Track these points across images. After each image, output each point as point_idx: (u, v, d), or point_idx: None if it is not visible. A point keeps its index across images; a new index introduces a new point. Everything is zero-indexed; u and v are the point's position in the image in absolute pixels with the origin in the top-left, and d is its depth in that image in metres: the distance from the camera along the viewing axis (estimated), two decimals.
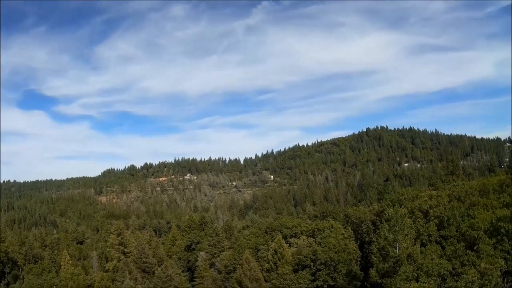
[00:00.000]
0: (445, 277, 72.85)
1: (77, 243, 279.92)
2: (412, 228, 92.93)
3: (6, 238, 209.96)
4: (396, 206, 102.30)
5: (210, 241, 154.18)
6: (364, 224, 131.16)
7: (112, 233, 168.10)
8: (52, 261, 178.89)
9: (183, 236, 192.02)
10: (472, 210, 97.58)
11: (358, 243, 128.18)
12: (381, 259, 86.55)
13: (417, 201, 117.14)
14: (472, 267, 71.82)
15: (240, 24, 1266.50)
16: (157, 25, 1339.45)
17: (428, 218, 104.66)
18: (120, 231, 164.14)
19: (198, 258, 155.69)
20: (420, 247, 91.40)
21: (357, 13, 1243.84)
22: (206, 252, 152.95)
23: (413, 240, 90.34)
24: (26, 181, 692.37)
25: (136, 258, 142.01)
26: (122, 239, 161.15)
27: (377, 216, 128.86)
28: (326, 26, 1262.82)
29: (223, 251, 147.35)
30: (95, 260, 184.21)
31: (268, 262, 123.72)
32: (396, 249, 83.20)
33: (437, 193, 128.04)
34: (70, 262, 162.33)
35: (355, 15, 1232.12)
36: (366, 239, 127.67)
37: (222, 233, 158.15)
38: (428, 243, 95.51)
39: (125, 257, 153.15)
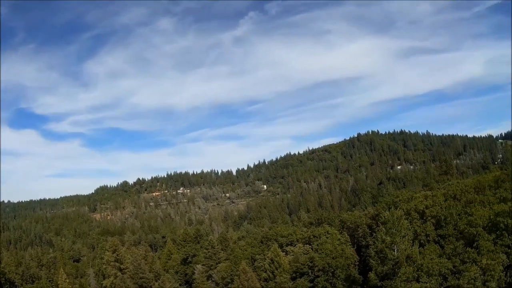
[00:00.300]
0: (447, 276, 72.37)
1: (74, 261, 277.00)
2: (409, 230, 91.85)
3: (3, 258, 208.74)
4: (392, 209, 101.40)
5: (206, 254, 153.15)
6: (360, 228, 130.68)
7: (107, 250, 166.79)
8: (49, 281, 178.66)
9: (178, 250, 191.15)
10: (469, 208, 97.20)
11: (355, 248, 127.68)
12: (379, 262, 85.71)
13: (413, 202, 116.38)
14: (473, 264, 71.37)
15: (228, 36, 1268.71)
16: (145, 39, 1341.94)
17: (424, 218, 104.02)
18: (115, 247, 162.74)
19: (195, 271, 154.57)
20: (419, 247, 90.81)
21: (344, 19, 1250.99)
22: (203, 265, 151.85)
23: (411, 241, 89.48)
24: (20, 201, 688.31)
25: (133, 274, 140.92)
26: (117, 255, 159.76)
27: (373, 219, 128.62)
28: (313, 34, 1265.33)
29: (219, 263, 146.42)
30: (92, 277, 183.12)
31: (265, 272, 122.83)
32: (394, 251, 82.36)
33: (432, 193, 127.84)
34: (67, 280, 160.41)
35: (341, 21, 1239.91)
36: (363, 243, 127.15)
37: (217, 245, 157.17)
38: (427, 243, 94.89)
39: (122, 274, 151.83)
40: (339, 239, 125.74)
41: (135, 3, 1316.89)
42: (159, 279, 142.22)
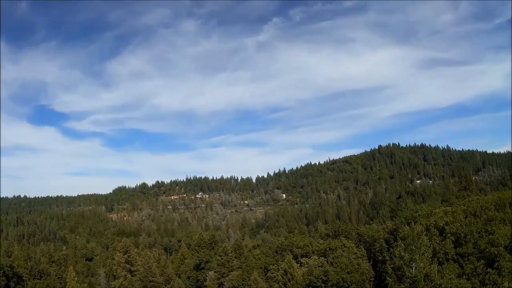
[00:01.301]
0: None
1: (86, 260, 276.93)
2: (429, 247, 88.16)
3: (13, 252, 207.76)
4: (411, 224, 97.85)
5: (219, 261, 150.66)
6: (377, 243, 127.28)
7: (118, 251, 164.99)
8: (58, 277, 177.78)
9: (192, 255, 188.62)
10: (489, 226, 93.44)
11: (371, 263, 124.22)
12: (396, 279, 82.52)
13: (433, 217, 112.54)
14: (494, 286, 67.89)
15: (251, 40, 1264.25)
16: (168, 41, 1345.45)
17: (444, 235, 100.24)
18: (127, 249, 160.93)
19: (207, 278, 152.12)
20: (437, 266, 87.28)
21: (367, 28, 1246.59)
22: (215, 272, 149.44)
23: (430, 259, 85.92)
24: (36, 196, 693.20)
25: (143, 277, 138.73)
26: (128, 257, 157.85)
27: (391, 234, 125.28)
28: (336, 42, 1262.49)
29: (232, 271, 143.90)
30: (103, 277, 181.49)
31: (277, 283, 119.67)
32: (412, 269, 79.13)
33: (451, 209, 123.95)
34: (76, 279, 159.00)
35: (364, 30, 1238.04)
36: (380, 258, 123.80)
37: (231, 253, 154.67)
38: (445, 261, 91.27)
39: (132, 276, 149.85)
40: (355, 253, 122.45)
41: (159, 4, 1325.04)
42: (169, 283, 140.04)
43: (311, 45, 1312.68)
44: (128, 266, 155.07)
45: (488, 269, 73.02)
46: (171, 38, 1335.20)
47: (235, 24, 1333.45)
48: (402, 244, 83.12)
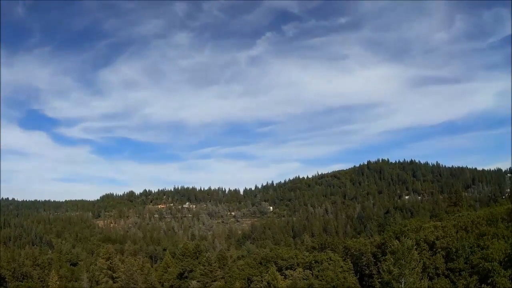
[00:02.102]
0: None
1: (71, 265, 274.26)
2: (419, 262, 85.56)
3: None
4: (401, 238, 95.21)
5: (202, 270, 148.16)
6: (365, 257, 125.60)
7: (101, 257, 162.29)
8: (41, 281, 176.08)
9: (176, 263, 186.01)
10: (482, 240, 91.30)
11: (358, 276, 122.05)
12: None
13: (423, 232, 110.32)
14: None
15: (244, 54, 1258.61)
16: (161, 52, 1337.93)
17: (434, 249, 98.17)
18: (109, 255, 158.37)
19: (189, 287, 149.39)
20: (428, 281, 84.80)
21: (360, 44, 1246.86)
22: (198, 281, 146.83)
23: (420, 274, 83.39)
24: (24, 200, 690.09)
25: (124, 284, 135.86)
26: (110, 263, 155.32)
27: (378, 248, 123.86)
28: (329, 58, 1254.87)
29: (215, 281, 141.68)
30: (86, 282, 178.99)
31: None
32: (401, 284, 76.58)
33: (441, 224, 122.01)
34: (58, 283, 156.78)
35: (358, 46, 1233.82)
36: (367, 272, 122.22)
37: (215, 263, 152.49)
38: (436, 276, 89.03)
39: (113, 282, 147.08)
40: (341, 267, 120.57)
41: (154, 15, 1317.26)
42: None
43: (304, 61, 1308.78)
44: (110, 272, 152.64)
45: (482, 285, 70.76)
46: (164, 49, 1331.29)
47: (228, 37, 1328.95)
48: (392, 259, 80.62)
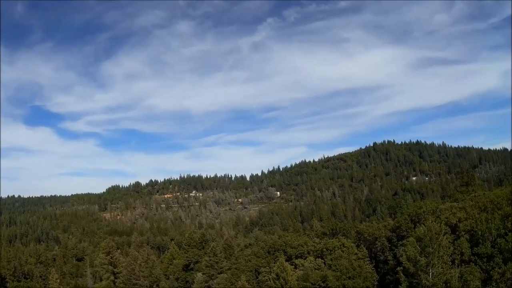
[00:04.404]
0: None
1: (76, 260, 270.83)
2: (448, 248, 77.14)
3: (0, 253, 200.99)
4: (427, 221, 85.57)
5: (207, 262, 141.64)
6: (379, 241, 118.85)
7: (101, 251, 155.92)
8: (43, 279, 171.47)
9: (182, 254, 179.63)
10: (509, 222, 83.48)
11: (373, 264, 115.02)
12: None
13: (443, 214, 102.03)
14: None
15: (246, 41, 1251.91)
16: (163, 42, 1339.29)
17: (457, 233, 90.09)
18: (110, 249, 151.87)
19: (195, 280, 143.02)
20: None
21: (362, 28, 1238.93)
22: (203, 273, 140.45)
23: (450, 263, 75.18)
24: (30, 196, 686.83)
25: (126, 280, 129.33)
26: (111, 258, 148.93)
27: (393, 232, 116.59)
28: (331, 42, 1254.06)
29: (221, 273, 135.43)
30: (89, 278, 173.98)
31: None
32: (429, 275, 68.59)
33: (458, 204, 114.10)
34: (59, 281, 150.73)
35: (359, 30, 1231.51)
36: (381, 257, 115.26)
37: (220, 253, 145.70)
38: (462, 263, 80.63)
39: (115, 278, 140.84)
40: (356, 254, 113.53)
41: (154, 5, 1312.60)
42: (156, 285, 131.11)
43: (306, 45, 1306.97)
44: (111, 267, 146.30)
45: None
46: (166, 39, 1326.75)
47: (229, 25, 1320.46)
48: (418, 246, 72.66)
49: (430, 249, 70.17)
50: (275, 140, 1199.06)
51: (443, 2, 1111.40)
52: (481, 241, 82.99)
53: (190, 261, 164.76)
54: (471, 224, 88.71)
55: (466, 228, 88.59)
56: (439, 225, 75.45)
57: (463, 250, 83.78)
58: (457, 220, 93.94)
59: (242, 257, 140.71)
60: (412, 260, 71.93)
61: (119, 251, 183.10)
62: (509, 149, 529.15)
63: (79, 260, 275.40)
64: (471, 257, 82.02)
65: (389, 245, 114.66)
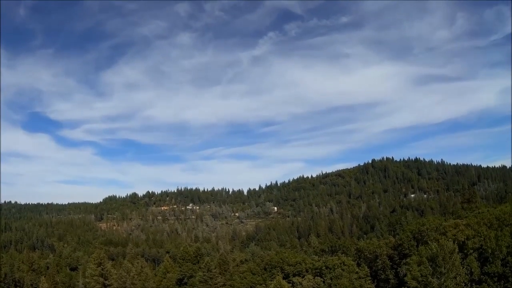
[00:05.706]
0: None
1: (70, 269, 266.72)
2: (462, 268, 72.67)
3: None
4: (440, 239, 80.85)
5: (201, 277, 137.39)
6: (380, 259, 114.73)
7: (92, 263, 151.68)
8: (34, 287, 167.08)
9: (176, 268, 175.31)
10: None
11: (375, 283, 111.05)
12: None
13: (451, 231, 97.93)
14: None
15: (246, 54, 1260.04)
16: (163, 52, 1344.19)
17: (465, 251, 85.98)
18: (101, 260, 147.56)
19: None
20: None
21: (362, 43, 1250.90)
22: None
23: (463, 284, 70.76)
24: (27, 203, 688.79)
25: None
26: (102, 269, 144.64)
27: (395, 249, 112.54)
28: (331, 57, 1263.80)
29: None
30: None
31: None
32: None
33: (462, 221, 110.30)
34: None
35: (360, 45, 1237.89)
36: (382, 276, 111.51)
37: (215, 268, 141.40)
38: (471, 283, 76.29)
39: None
40: (357, 272, 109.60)
41: (156, 16, 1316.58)
42: None
43: (306, 60, 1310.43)
44: (101, 279, 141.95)
45: None
46: (166, 50, 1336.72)
47: (230, 37, 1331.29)
48: (429, 267, 68.26)
49: (443, 269, 65.89)
50: (273, 155, 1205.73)
51: (444, 18, 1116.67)
52: (491, 259, 79.02)
53: (184, 276, 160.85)
54: (479, 242, 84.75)
55: (474, 246, 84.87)
56: (452, 243, 71.06)
57: (472, 270, 79.72)
58: (465, 237, 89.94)
59: (237, 273, 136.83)
60: (422, 282, 67.47)
61: (112, 262, 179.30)
62: (508, 167, 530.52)
63: (72, 269, 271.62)
64: (481, 276, 77.88)
65: (391, 263, 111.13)
